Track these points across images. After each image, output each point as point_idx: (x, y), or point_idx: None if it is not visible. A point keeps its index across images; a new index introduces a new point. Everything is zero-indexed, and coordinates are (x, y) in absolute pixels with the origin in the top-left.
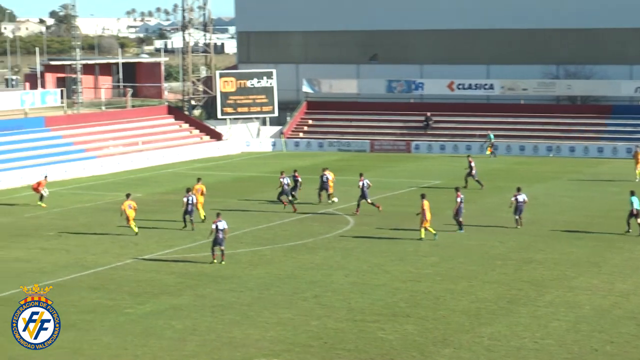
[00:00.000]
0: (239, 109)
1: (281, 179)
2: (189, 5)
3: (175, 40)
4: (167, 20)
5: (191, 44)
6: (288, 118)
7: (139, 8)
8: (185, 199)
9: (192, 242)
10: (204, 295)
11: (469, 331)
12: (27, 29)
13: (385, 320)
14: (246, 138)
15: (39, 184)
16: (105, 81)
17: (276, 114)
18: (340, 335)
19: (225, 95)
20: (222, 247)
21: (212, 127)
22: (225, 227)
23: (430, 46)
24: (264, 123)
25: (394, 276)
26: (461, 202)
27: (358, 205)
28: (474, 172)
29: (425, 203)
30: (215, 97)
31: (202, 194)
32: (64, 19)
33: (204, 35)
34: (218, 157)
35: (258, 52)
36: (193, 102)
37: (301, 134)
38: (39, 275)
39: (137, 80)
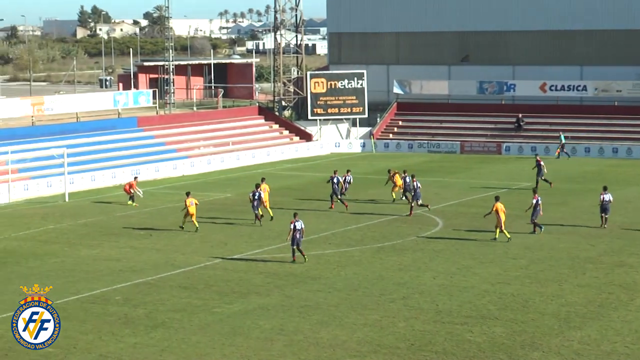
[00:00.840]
0: (329, 110)
1: (333, 178)
2: (281, 7)
3: (267, 41)
4: (259, 21)
5: (282, 45)
6: (378, 119)
7: (232, 9)
8: (251, 195)
9: (281, 243)
10: (292, 295)
11: (558, 335)
12: (121, 30)
13: (473, 323)
14: (336, 139)
15: (130, 185)
16: (197, 82)
17: (366, 115)
18: (427, 337)
19: (315, 96)
20: (300, 247)
21: (302, 128)
22: (303, 226)
23: (523, 47)
24: (353, 124)
25: (482, 278)
26: (537, 203)
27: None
28: (543, 171)
29: (499, 205)
30: (305, 98)
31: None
32: (157, 21)
33: (296, 36)
34: (307, 158)
35: (349, 53)
36: (283, 103)
37: (391, 135)
38: (129, 274)
39: (228, 81)
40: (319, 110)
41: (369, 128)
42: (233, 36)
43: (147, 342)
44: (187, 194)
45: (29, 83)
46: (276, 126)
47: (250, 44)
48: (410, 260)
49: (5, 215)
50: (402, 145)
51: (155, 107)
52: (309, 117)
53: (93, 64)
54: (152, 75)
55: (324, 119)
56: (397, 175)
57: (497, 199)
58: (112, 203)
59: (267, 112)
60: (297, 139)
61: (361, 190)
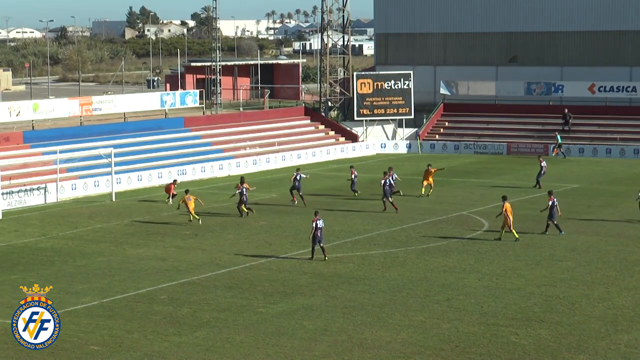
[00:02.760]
0: (376, 111)
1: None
2: (328, 8)
3: (314, 42)
4: (306, 22)
5: (329, 45)
6: (424, 120)
7: (279, 10)
8: (238, 191)
9: (326, 243)
10: (336, 296)
11: (604, 338)
12: (169, 31)
13: (518, 325)
14: (382, 140)
15: (169, 187)
16: (244, 82)
17: (412, 115)
18: (472, 339)
19: (362, 97)
20: (322, 244)
21: (348, 129)
22: (323, 225)
23: (571, 48)
24: (400, 125)
25: (528, 280)
26: (553, 205)
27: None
28: (543, 172)
29: (507, 205)
30: (351, 98)
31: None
32: (205, 21)
33: (342, 37)
34: (353, 159)
35: (395, 53)
36: (330, 104)
37: (437, 136)
38: (174, 274)
39: (274, 82)
40: (365, 111)
41: (415, 129)
42: (280, 37)
43: (191, 342)
44: (186, 191)
45: (77, 83)
46: (322, 127)
47: (297, 45)
48: (455, 262)
49: (53, 215)
50: (449, 147)
51: (202, 107)
52: (355, 117)
53: (141, 64)
54: (199, 76)
55: (370, 120)
56: (430, 171)
57: (504, 198)
58: (158, 202)
59: (313, 113)
60: (342, 139)
61: (407, 191)
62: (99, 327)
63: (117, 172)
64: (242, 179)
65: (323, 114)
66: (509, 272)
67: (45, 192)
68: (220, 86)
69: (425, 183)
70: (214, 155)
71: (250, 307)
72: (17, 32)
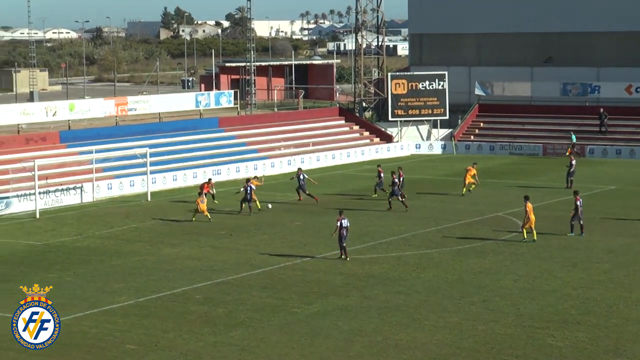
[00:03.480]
0: (410, 111)
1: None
2: (362, 8)
3: (348, 43)
4: (340, 22)
5: (364, 46)
6: (459, 121)
7: (313, 10)
8: (242, 189)
9: (361, 244)
10: (371, 296)
11: None
12: (203, 31)
13: (555, 327)
14: (416, 140)
15: (203, 187)
16: (278, 83)
17: (447, 116)
18: (508, 340)
19: (396, 97)
20: (344, 244)
21: (383, 129)
22: (349, 224)
23: (608, 48)
24: (434, 125)
25: (564, 282)
26: (580, 205)
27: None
28: (572, 170)
29: (529, 205)
30: (386, 99)
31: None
32: (239, 22)
33: (377, 37)
34: (388, 159)
35: (430, 54)
36: (364, 104)
37: (472, 137)
38: (209, 273)
39: (309, 82)
40: (400, 112)
41: (450, 130)
42: (314, 37)
43: (226, 341)
44: (199, 194)
45: (113, 84)
46: (356, 127)
47: (331, 45)
48: (491, 263)
49: (90, 214)
50: (484, 147)
51: (237, 107)
52: (390, 118)
53: (175, 64)
54: (233, 76)
55: (405, 120)
56: (470, 170)
57: (526, 198)
58: (193, 202)
59: (347, 113)
60: (377, 140)
61: (442, 191)
62: (135, 326)
63: (152, 172)
64: (248, 180)
65: (357, 114)
66: (545, 273)
67: (81, 191)
68: (254, 86)
69: (466, 182)
70: (248, 156)
71: (285, 307)
72: (53, 32)
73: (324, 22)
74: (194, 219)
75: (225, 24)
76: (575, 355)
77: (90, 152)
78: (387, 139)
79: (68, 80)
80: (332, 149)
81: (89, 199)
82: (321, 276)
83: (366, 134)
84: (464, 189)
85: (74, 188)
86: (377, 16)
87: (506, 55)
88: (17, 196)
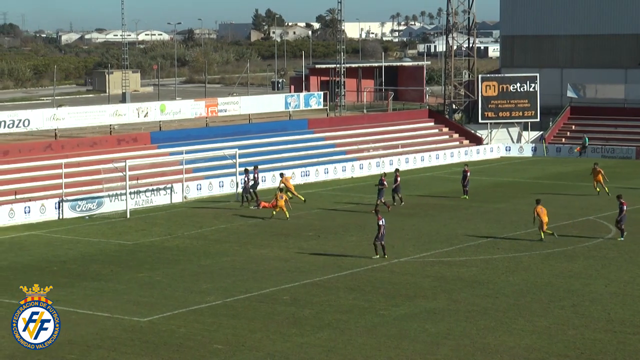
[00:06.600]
0: (500, 114)
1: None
2: (453, 10)
3: (439, 44)
4: (431, 24)
5: (454, 47)
6: (550, 123)
7: (404, 12)
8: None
9: (449, 246)
10: (459, 300)
11: None
12: (294, 33)
13: None
14: (506, 142)
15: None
16: (368, 85)
17: (538, 119)
18: (598, 346)
19: (486, 100)
20: (382, 242)
21: (472, 131)
22: (384, 223)
23: None
24: (525, 128)
25: None
26: (624, 208)
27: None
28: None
29: (538, 209)
30: (476, 101)
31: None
32: (330, 24)
33: (468, 39)
34: (477, 162)
35: (521, 56)
36: (454, 106)
37: (563, 140)
38: (297, 275)
39: (398, 84)
40: (490, 114)
41: (541, 132)
42: (404, 39)
43: (313, 342)
44: (280, 189)
45: (203, 85)
46: (446, 129)
47: (421, 47)
48: (581, 267)
49: (179, 214)
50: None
51: (326, 109)
52: (480, 120)
53: (266, 66)
54: (323, 78)
55: (495, 123)
56: (597, 170)
57: (538, 202)
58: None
59: (437, 115)
60: (467, 142)
61: (531, 195)
62: (223, 326)
63: (241, 173)
64: (256, 167)
65: (447, 116)
66: (638, 278)
67: (171, 192)
68: (344, 88)
69: (595, 182)
70: (337, 157)
71: (372, 309)
72: (145, 34)
73: (415, 24)
74: (274, 212)
75: (316, 25)
76: None
77: (181, 152)
78: (477, 141)
79: (159, 81)
80: (421, 151)
81: (178, 200)
82: (408, 278)
83: (455, 136)
84: (605, 188)
85: (164, 188)
86: (469, 18)
87: (599, 57)
88: (109, 196)
